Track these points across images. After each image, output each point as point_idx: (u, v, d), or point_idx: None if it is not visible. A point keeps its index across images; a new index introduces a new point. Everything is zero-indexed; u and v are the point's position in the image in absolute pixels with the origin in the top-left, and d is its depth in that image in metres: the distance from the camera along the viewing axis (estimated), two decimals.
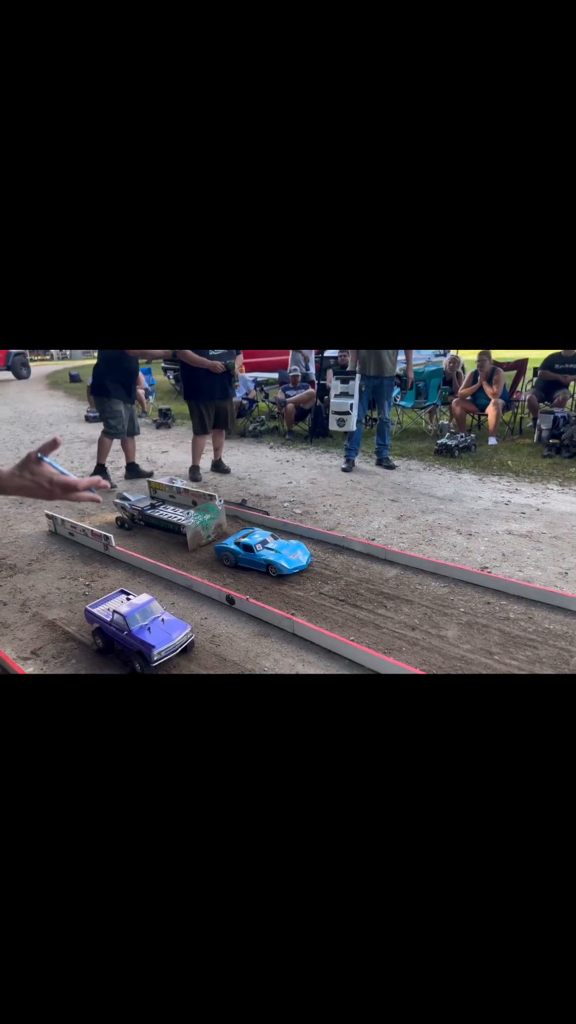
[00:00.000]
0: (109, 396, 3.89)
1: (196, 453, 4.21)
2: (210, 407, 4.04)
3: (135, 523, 3.18)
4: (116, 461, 4.96)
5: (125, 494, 3.31)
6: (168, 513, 3.06)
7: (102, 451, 4.14)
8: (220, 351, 3.92)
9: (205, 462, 4.51)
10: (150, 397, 8.34)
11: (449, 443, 4.59)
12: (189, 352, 3.83)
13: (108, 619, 1.89)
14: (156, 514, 3.06)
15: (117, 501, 3.26)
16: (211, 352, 3.88)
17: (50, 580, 2.56)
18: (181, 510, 3.11)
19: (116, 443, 4.21)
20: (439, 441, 4.70)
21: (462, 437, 4.70)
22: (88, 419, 7.36)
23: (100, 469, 4.14)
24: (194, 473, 4.20)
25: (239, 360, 4.08)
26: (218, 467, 4.47)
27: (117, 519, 3.23)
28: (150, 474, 4.26)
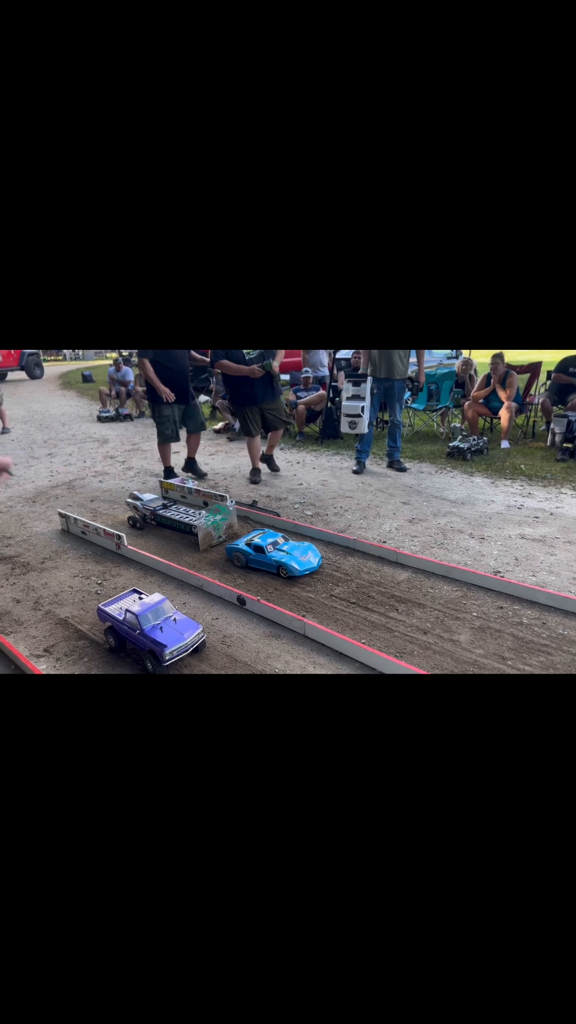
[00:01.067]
0: (159, 402, 3.89)
1: (253, 455, 4.20)
2: (256, 411, 4.03)
3: (147, 523, 3.20)
4: (128, 461, 4.98)
5: (137, 493, 3.32)
6: (179, 513, 3.07)
7: (163, 456, 4.19)
8: (256, 352, 3.87)
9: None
10: None
11: (461, 446, 4.57)
12: (226, 362, 3.83)
13: (120, 618, 1.90)
14: (168, 514, 3.08)
15: (129, 501, 3.28)
16: (247, 355, 3.84)
17: (63, 578, 2.58)
18: (192, 510, 3.12)
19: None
20: (451, 444, 4.67)
21: (474, 440, 4.67)
22: (100, 419, 7.42)
23: (168, 471, 4.21)
24: (254, 475, 4.19)
25: (279, 357, 3.99)
26: (268, 461, 4.41)
27: (129, 518, 3.25)
28: (205, 475, 4.30)
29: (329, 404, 5.75)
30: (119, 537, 2.77)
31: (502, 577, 2.34)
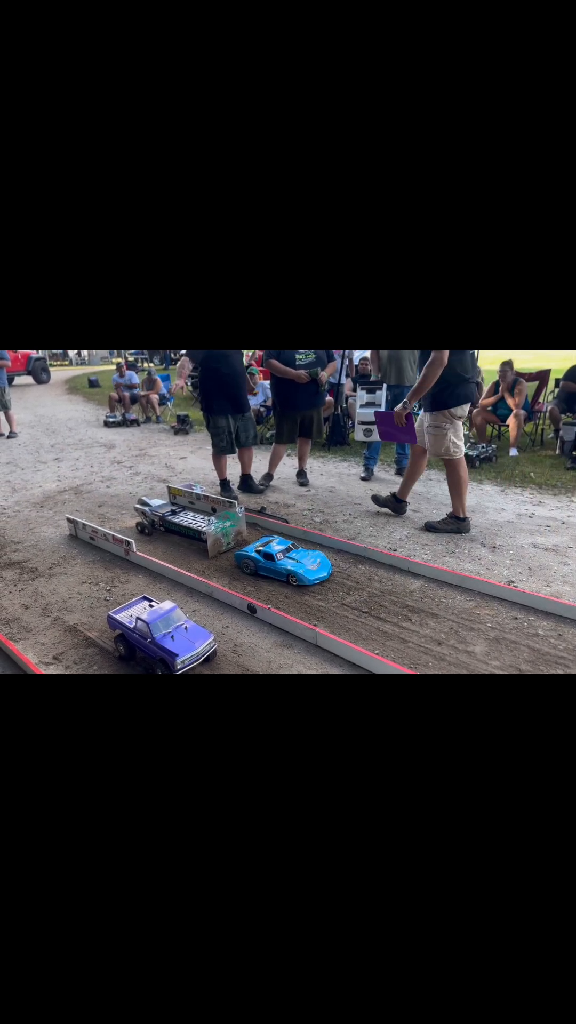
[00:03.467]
0: (213, 413, 3.62)
1: (273, 461, 4.10)
2: (295, 416, 3.89)
3: (155, 529, 3.18)
4: (136, 466, 4.97)
5: (145, 499, 3.31)
6: (188, 519, 3.05)
7: (218, 469, 3.89)
8: (310, 359, 3.72)
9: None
10: (168, 403, 8.40)
11: (470, 453, 4.53)
12: (274, 361, 3.69)
13: (131, 626, 1.88)
14: (176, 520, 3.06)
15: (137, 506, 3.27)
16: (299, 360, 3.69)
17: (71, 584, 2.56)
18: (201, 516, 3.10)
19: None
20: None
21: (483, 447, 4.65)
22: (107, 424, 7.43)
23: (224, 484, 3.91)
24: (266, 480, 4.10)
25: (331, 368, 3.83)
26: (301, 476, 4.26)
27: (137, 524, 3.23)
28: (262, 491, 4.02)
29: (336, 410, 5.74)
30: (128, 543, 2.75)
31: (516, 587, 2.31)
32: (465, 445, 4.77)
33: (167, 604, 1.93)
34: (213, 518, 3.01)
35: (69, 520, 3.19)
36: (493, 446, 4.80)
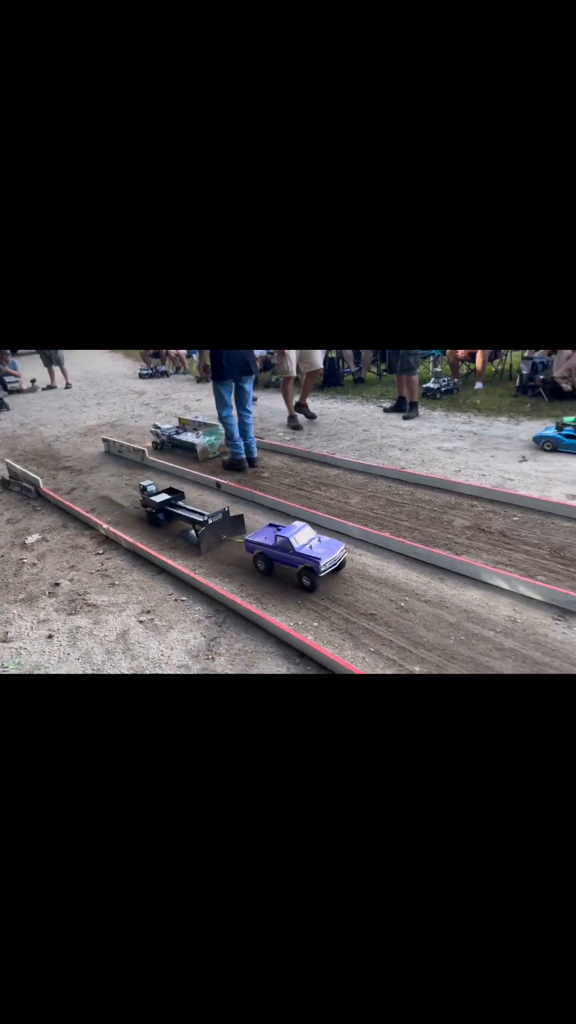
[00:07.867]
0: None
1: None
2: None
3: (165, 445, 4.33)
4: (160, 407, 6.06)
5: (158, 424, 4.45)
6: (187, 437, 4.17)
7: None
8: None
9: None
10: (193, 355, 9.43)
11: (432, 387, 5.35)
12: None
13: (271, 543, 2.15)
14: (179, 437, 4.19)
15: (152, 429, 4.42)
16: None
17: (104, 477, 3.76)
18: (195, 435, 4.21)
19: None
20: (423, 385, 5.46)
21: (445, 381, 5.43)
22: (141, 376, 8.59)
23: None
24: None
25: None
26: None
27: (152, 443, 4.39)
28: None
29: (331, 354, 6.58)
30: (143, 451, 3.91)
31: (401, 469, 3.28)
32: (430, 380, 5.58)
33: (298, 524, 2.19)
34: (201, 433, 4.12)
35: (104, 440, 4.39)
36: (456, 380, 5.56)
